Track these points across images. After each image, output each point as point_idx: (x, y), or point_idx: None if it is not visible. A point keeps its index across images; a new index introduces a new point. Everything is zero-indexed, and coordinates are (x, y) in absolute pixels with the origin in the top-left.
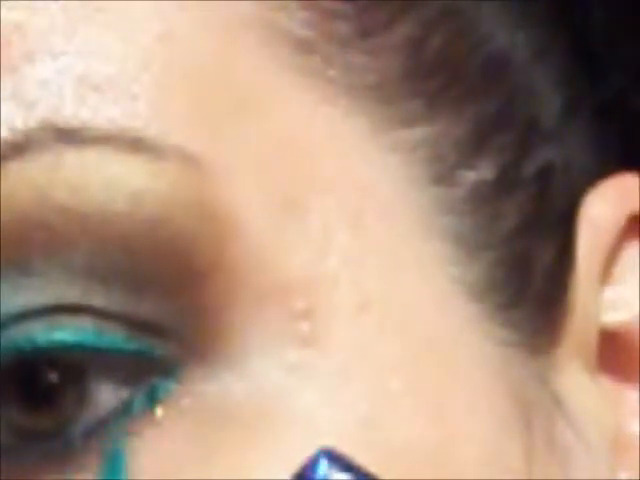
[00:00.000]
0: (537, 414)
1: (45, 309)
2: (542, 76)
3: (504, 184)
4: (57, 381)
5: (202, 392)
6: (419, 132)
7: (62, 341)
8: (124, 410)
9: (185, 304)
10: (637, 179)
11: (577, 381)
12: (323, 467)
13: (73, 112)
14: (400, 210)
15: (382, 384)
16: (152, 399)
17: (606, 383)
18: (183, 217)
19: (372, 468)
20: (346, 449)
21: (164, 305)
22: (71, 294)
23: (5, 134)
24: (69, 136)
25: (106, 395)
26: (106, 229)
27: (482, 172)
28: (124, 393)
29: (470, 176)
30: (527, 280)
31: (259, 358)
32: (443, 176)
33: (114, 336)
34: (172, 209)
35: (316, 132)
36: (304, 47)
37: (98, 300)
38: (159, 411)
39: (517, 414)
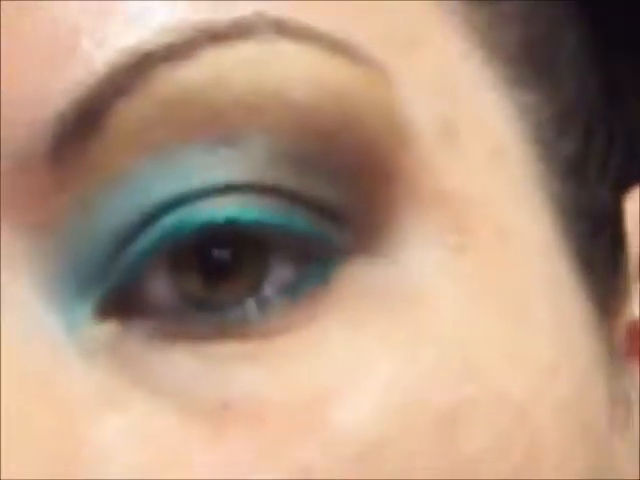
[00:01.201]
0: (612, 368)
1: (241, 187)
2: (596, 85)
3: (579, 163)
4: (236, 256)
5: (362, 276)
6: (532, 96)
7: (253, 218)
8: (295, 288)
9: (365, 198)
10: None
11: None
12: None
13: (287, 7)
14: (522, 160)
15: (508, 304)
16: (320, 279)
17: None
18: (375, 119)
19: (494, 364)
20: (473, 347)
21: (349, 196)
22: (269, 174)
23: (224, 16)
24: (283, 28)
25: (281, 273)
26: (309, 120)
27: (567, 146)
28: (295, 272)
29: (565, 147)
30: (597, 256)
31: (413, 255)
32: (547, 141)
33: (301, 218)
34: (366, 110)
35: (466, 72)
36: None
37: (292, 183)
38: (324, 289)
39: (600, 361)
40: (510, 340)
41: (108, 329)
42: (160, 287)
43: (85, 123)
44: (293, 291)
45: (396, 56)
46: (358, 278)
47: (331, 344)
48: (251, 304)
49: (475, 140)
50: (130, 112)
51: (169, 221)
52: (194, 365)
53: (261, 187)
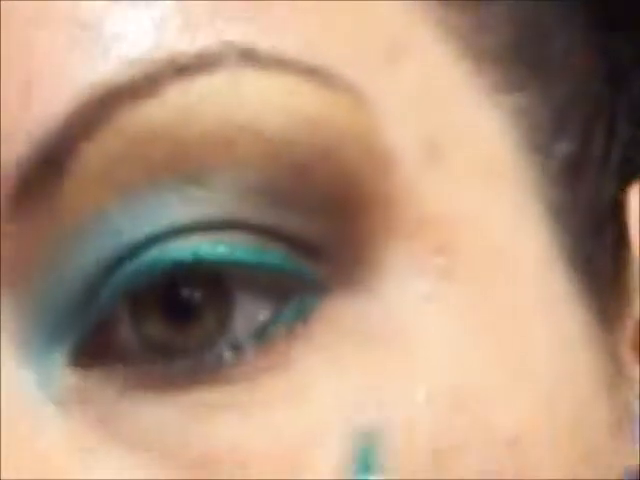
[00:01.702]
0: (615, 383)
1: (211, 225)
2: (596, 76)
3: (578, 162)
4: (202, 298)
5: (343, 313)
6: (524, 99)
7: (224, 255)
8: (269, 328)
9: (343, 230)
10: None
11: (633, 360)
12: None
13: (252, 34)
14: (514, 170)
15: (501, 327)
16: (297, 317)
17: None
18: (353, 147)
19: (489, 392)
20: (467, 378)
21: (326, 229)
22: (240, 211)
23: (188, 47)
24: (249, 57)
25: (254, 312)
26: (283, 152)
27: (565, 146)
28: (269, 310)
29: (558, 148)
30: (599, 259)
31: (397, 286)
32: (541, 144)
33: (275, 254)
34: (344, 138)
35: (452, 82)
36: (441, 1)
37: (265, 218)
38: (309, 324)
39: (602, 377)
40: (505, 370)
41: (82, 380)
42: (127, 333)
43: (49, 166)
44: (267, 331)
45: (374, 75)
46: (339, 315)
47: (313, 387)
48: (222, 347)
49: (463, 156)
50: (94, 151)
51: (137, 264)
52: (172, 415)
53: (231, 223)
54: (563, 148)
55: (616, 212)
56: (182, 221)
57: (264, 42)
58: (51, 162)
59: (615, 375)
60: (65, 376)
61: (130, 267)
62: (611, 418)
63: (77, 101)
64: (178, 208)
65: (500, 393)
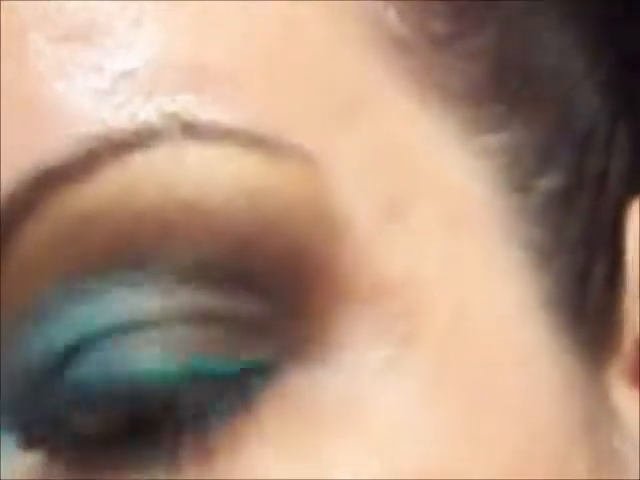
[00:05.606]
0: (599, 427)
1: (147, 319)
2: (592, 88)
3: (568, 193)
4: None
5: (298, 388)
6: (501, 138)
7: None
8: (220, 406)
9: (293, 304)
10: None
11: (627, 394)
12: None
13: (195, 106)
14: (488, 216)
15: (469, 390)
16: (249, 397)
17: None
18: (301, 216)
19: (457, 465)
20: (431, 451)
21: (274, 304)
22: (179, 292)
23: (126, 124)
24: (192, 130)
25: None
26: (226, 226)
27: (551, 180)
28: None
29: (542, 184)
30: (588, 293)
31: (354, 356)
32: (521, 183)
33: (219, 337)
34: (291, 208)
35: (415, 134)
36: (404, 46)
37: (205, 300)
38: (255, 408)
39: (584, 424)
40: (472, 441)
41: (33, 460)
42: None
43: None
44: (208, 420)
45: (328, 137)
46: (290, 392)
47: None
48: (163, 435)
49: (426, 211)
50: (27, 239)
51: (96, 356)
52: None
53: (169, 312)
54: (548, 183)
55: (612, 237)
56: (121, 313)
57: (206, 114)
58: None
59: (599, 416)
60: (17, 455)
61: (88, 358)
62: (592, 463)
63: (7, 192)
64: (118, 294)
65: (468, 466)
